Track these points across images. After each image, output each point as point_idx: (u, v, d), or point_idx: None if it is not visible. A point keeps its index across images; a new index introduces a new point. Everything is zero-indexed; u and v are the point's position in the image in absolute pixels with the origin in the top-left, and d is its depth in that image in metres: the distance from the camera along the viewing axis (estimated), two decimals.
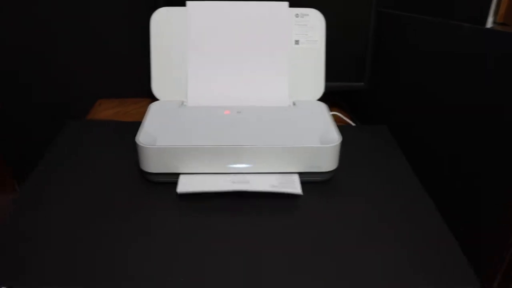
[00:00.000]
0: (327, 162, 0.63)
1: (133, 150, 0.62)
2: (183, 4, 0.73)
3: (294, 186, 0.61)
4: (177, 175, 0.62)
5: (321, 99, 0.76)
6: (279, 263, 0.52)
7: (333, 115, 0.76)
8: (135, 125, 0.66)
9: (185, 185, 0.61)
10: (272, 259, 0.52)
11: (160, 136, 0.63)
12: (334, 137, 0.64)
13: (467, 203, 0.69)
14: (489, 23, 0.73)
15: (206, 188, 0.60)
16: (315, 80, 0.76)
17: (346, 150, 0.66)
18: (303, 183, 0.63)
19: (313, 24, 0.75)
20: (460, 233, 0.58)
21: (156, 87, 0.75)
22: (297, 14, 0.75)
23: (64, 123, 0.80)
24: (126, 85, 1.03)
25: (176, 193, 0.60)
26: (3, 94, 1.04)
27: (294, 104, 0.74)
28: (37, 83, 1.03)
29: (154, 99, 0.75)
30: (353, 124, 0.89)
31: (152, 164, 0.61)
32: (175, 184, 0.62)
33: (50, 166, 0.68)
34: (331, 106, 0.84)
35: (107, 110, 0.95)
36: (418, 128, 0.79)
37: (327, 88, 0.77)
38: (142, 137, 0.62)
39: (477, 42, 0.64)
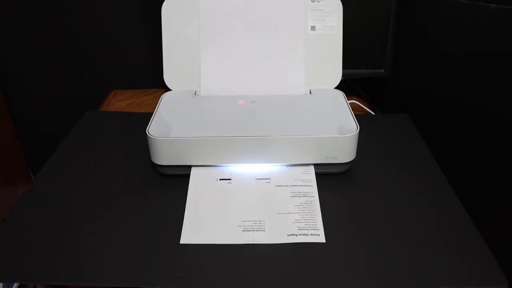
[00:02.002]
0: (345, 152, 0.61)
1: (145, 141, 0.60)
2: None
3: (316, 232, 0.53)
4: (188, 167, 0.61)
5: (339, 87, 0.73)
6: (294, 261, 0.50)
7: (351, 104, 0.73)
8: (148, 116, 0.64)
9: (188, 235, 0.53)
10: (287, 255, 0.51)
11: (171, 127, 0.61)
12: (352, 126, 0.61)
13: (490, 196, 0.65)
14: None
15: (213, 240, 0.52)
16: (332, 68, 0.73)
17: (364, 140, 0.63)
18: (319, 175, 0.61)
19: (329, 9, 0.72)
20: (485, 228, 0.55)
21: (168, 77, 0.73)
22: None
23: (79, 114, 0.80)
24: (141, 76, 1.02)
25: (187, 186, 0.59)
26: (20, 87, 1.04)
27: (310, 92, 0.72)
28: (53, 74, 1.03)
29: (168, 89, 0.74)
30: (373, 113, 0.86)
31: (163, 156, 0.60)
32: (186, 177, 0.60)
33: (63, 158, 0.68)
34: (349, 94, 0.81)
35: (120, 101, 0.94)
36: (442, 117, 0.75)
37: (345, 75, 0.74)
38: (153, 129, 0.60)
39: (505, 23, 0.60)
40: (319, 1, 0.72)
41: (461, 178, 0.67)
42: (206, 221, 0.54)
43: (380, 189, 0.61)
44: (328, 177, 0.62)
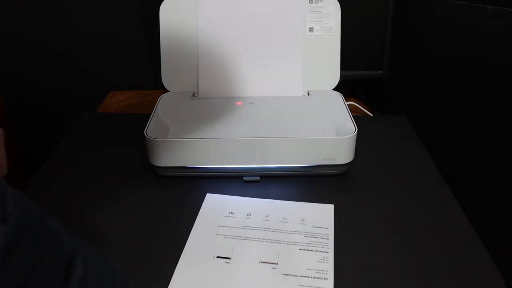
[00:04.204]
0: (343, 154, 0.61)
1: (143, 143, 0.60)
2: None
3: None
4: (187, 169, 0.61)
5: (337, 88, 0.74)
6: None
7: (349, 105, 0.73)
8: (147, 118, 0.64)
9: None
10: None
11: (169, 128, 0.61)
12: (350, 128, 0.61)
13: (489, 197, 0.65)
14: None
15: None
16: (330, 69, 0.73)
17: (362, 141, 0.63)
18: (317, 176, 0.61)
19: (328, 10, 0.72)
20: (483, 228, 0.55)
21: (166, 79, 0.73)
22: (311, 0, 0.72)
23: (77, 115, 0.80)
24: (139, 77, 1.02)
25: (185, 188, 0.59)
26: (17, 87, 1.04)
27: (308, 94, 0.72)
28: (51, 75, 1.03)
29: (166, 90, 0.73)
30: (371, 114, 0.86)
31: (161, 158, 0.59)
32: (184, 178, 0.60)
33: (61, 159, 0.67)
34: (347, 96, 0.81)
35: (119, 102, 0.94)
36: (440, 118, 0.75)
37: (343, 77, 0.74)
38: (151, 130, 0.60)
39: (502, 25, 0.60)
40: (317, 3, 0.72)
41: (459, 178, 0.67)
42: None
43: (378, 190, 0.61)
44: (326, 179, 0.62)
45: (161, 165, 0.60)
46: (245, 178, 0.62)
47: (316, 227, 0.54)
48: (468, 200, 0.61)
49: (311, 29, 0.72)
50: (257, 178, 0.62)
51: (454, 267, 0.49)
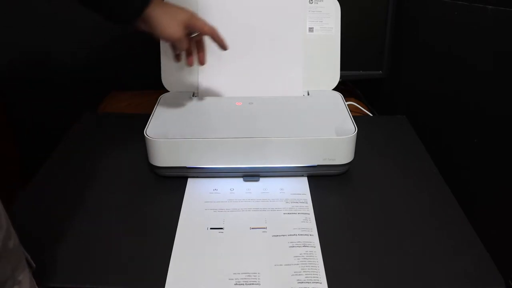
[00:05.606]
0: (343, 154, 0.61)
1: (143, 143, 0.60)
2: None
3: (318, 285, 0.47)
4: (186, 169, 0.61)
5: (336, 89, 0.74)
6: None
7: (349, 105, 0.73)
8: (147, 118, 0.64)
9: None
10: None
11: (169, 128, 0.61)
12: (350, 128, 0.61)
13: (489, 198, 0.65)
14: None
15: None
16: (330, 69, 0.73)
17: (362, 141, 0.63)
18: (317, 176, 0.61)
19: (328, 10, 0.72)
20: (482, 228, 0.55)
21: (166, 79, 0.73)
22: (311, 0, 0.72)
23: (77, 115, 0.80)
24: (139, 77, 1.02)
25: (185, 188, 0.59)
26: (17, 87, 1.04)
27: (308, 94, 0.72)
28: (52, 75, 1.03)
29: (166, 91, 0.73)
30: (370, 114, 0.86)
31: (161, 158, 0.59)
32: (184, 178, 0.60)
33: (61, 159, 0.67)
34: (347, 96, 0.81)
35: (119, 102, 0.94)
36: (439, 118, 0.75)
37: (343, 77, 0.74)
38: (151, 130, 0.60)
39: (502, 25, 0.60)
40: (317, 3, 0.72)
41: (458, 178, 0.67)
42: (193, 273, 0.48)
43: (378, 190, 0.61)
44: (326, 179, 0.62)
45: (161, 165, 0.60)
46: (244, 178, 0.62)
47: (294, 194, 0.60)
48: (468, 200, 0.61)
49: (311, 29, 0.72)
50: (257, 178, 0.62)
51: (454, 267, 0.49)
